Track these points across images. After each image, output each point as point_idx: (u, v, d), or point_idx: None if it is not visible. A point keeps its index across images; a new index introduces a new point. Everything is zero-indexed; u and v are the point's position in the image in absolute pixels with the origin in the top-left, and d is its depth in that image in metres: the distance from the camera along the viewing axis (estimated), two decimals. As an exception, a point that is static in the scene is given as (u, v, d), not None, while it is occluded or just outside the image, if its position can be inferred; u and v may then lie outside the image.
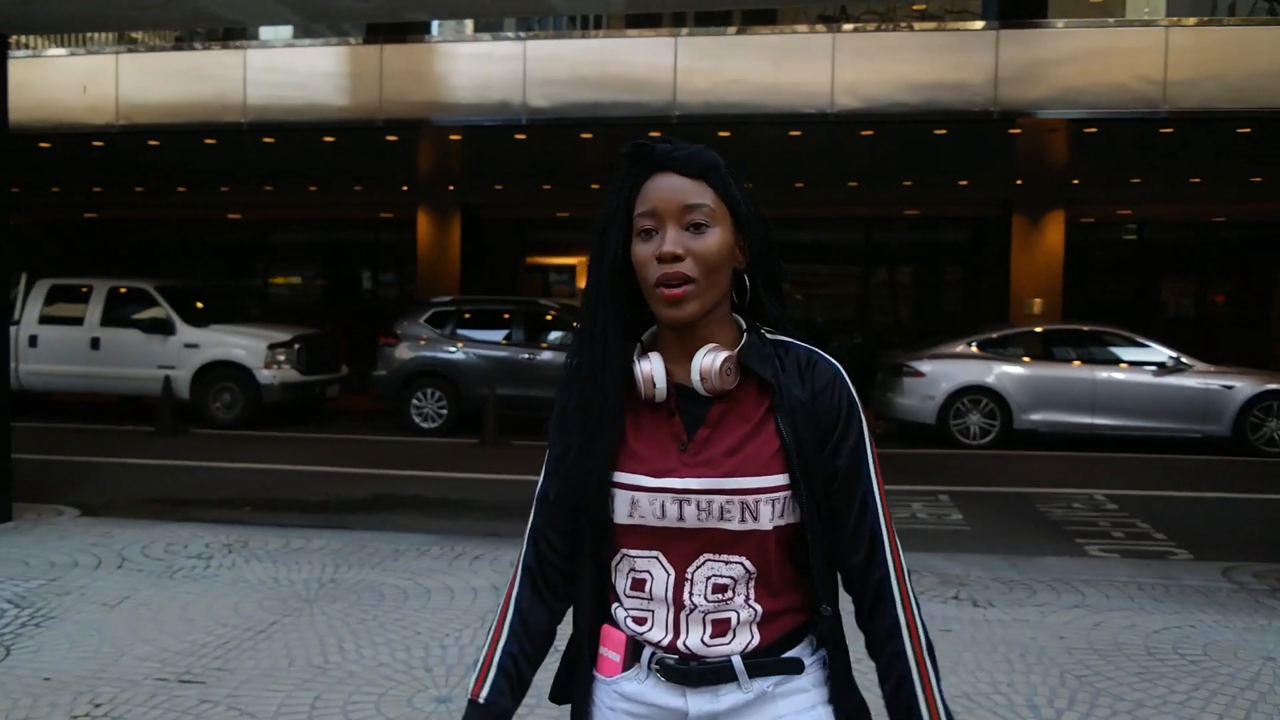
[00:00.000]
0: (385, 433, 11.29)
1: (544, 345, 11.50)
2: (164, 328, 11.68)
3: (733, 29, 10.47)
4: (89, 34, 13.98)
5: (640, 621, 1.36)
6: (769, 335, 1.37)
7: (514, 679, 1.39)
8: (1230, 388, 10.41)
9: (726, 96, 9.70)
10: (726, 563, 1.31)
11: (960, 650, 4.12)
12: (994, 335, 11.28)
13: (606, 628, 1.39)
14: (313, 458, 9.57)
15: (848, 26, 10.40)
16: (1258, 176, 12.92)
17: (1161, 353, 10.72)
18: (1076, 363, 10.87)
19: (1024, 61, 9.31)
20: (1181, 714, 3.50)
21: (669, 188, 1.30)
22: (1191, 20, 9.85)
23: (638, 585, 1.35)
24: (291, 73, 10.74)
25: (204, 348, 11.56)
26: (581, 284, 18.02)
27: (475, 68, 10.39)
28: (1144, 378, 10.58)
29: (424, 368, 11.50)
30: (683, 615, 1.33)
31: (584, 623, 1.39)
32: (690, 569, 1.32)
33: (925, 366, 10.83)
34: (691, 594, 1.32)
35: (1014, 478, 8.67)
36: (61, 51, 12.33)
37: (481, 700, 1.37)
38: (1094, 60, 9.26)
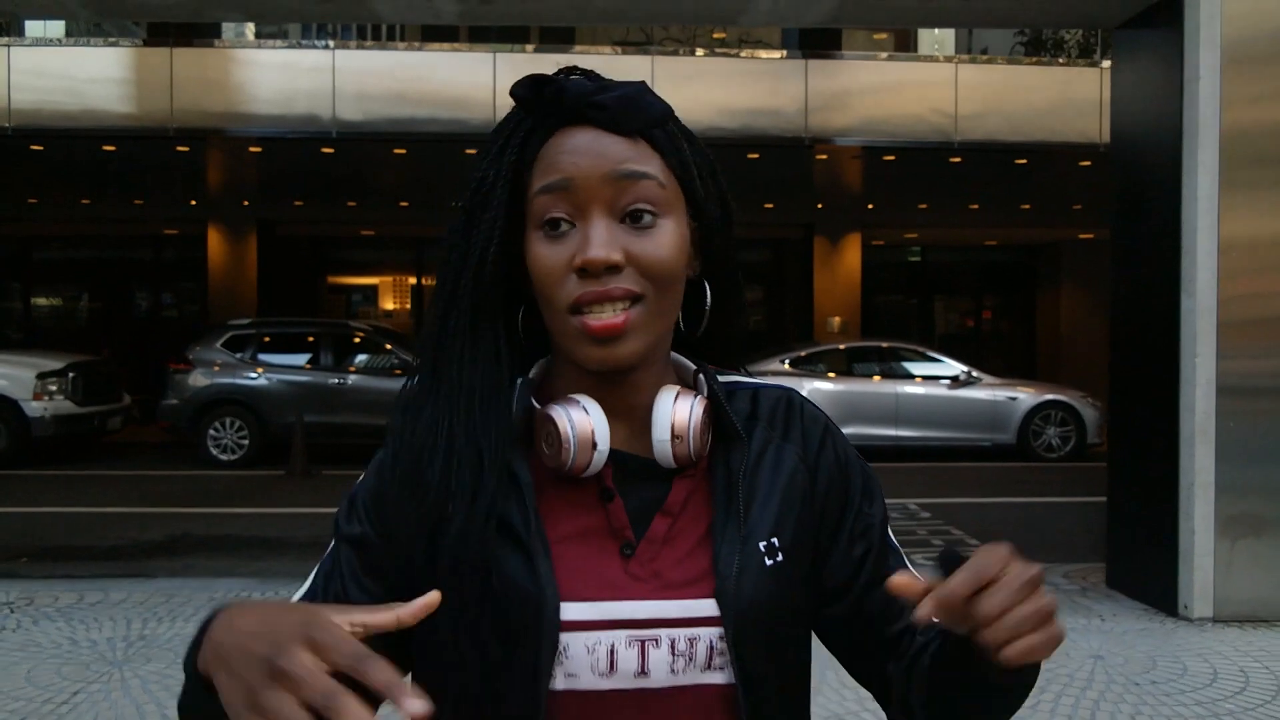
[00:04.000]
0: (179, 466, 10.40)
1: (353, 369, 10.99)
2: (-92, 356, 10.31)
3: (532, 46, 10.40)
4: None
5: None
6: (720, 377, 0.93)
7: None
8: (1014, 399, 11.25)
9: (546, 115, 9.56)
10: None
11: (823, 669, 4.15)
12: (803, 353, 11.72)
13: None
14: (97, 498, 8.66)
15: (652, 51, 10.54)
16: (1026, 204, 14.12)
17: (955, 367, 11.46)
18: (877, 378, 11.45)
19: (831, 91, 9.75)
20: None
21: (594, 150, 0.81)
22: (977, 58, 10.64)
23: None
24: (65, 75, 9.77)
25: (-41, 378, 10.29)
26: (387, 305, 17.40)
27: (279, 77, 9.80)
28: (940, 391, 11.28)
29: (221, 395, 10.69)
30: None
31: None
32: None
33: (741, 384, 11.04)
34: None
35: (832, 490, 8.98)
36: None
37: None
38: (893, 92, 9.82)
